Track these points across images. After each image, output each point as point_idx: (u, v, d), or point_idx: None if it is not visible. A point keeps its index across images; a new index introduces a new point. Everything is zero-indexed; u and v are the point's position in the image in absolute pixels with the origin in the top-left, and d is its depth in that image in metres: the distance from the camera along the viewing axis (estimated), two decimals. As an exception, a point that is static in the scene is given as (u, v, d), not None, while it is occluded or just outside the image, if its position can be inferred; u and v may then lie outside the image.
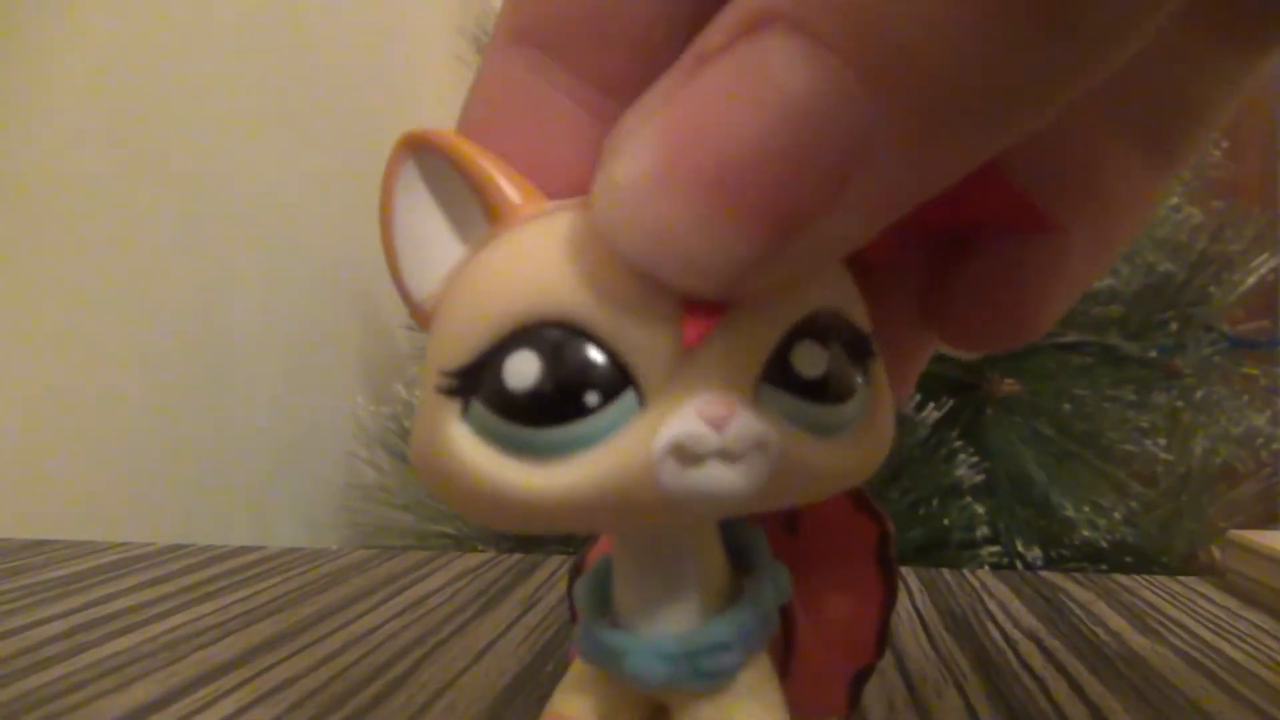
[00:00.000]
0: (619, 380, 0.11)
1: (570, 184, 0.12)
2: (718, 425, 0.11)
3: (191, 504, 0.68)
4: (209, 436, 0.70)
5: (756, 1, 0.10)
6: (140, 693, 0.23)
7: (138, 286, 0.63)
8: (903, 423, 0.70)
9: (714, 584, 0.13)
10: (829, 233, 0.10)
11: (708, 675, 0.13)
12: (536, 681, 0.24)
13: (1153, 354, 0.77)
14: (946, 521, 0.73)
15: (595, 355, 0.11)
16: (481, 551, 0.38)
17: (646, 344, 0.11)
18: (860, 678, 0.17)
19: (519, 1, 0.13)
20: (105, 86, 0.61)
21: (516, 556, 0.37)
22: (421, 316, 0.13)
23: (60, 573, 0.35)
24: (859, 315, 0.12)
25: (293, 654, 0.26)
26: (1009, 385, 0.76)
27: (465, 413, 0.11)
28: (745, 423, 0.11)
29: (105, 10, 0.61)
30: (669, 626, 0.13)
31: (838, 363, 0.12)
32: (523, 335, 0.11)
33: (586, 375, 0.11)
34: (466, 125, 0.13)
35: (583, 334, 0.11)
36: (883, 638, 0.17)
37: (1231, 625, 0.30)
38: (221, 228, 0.72)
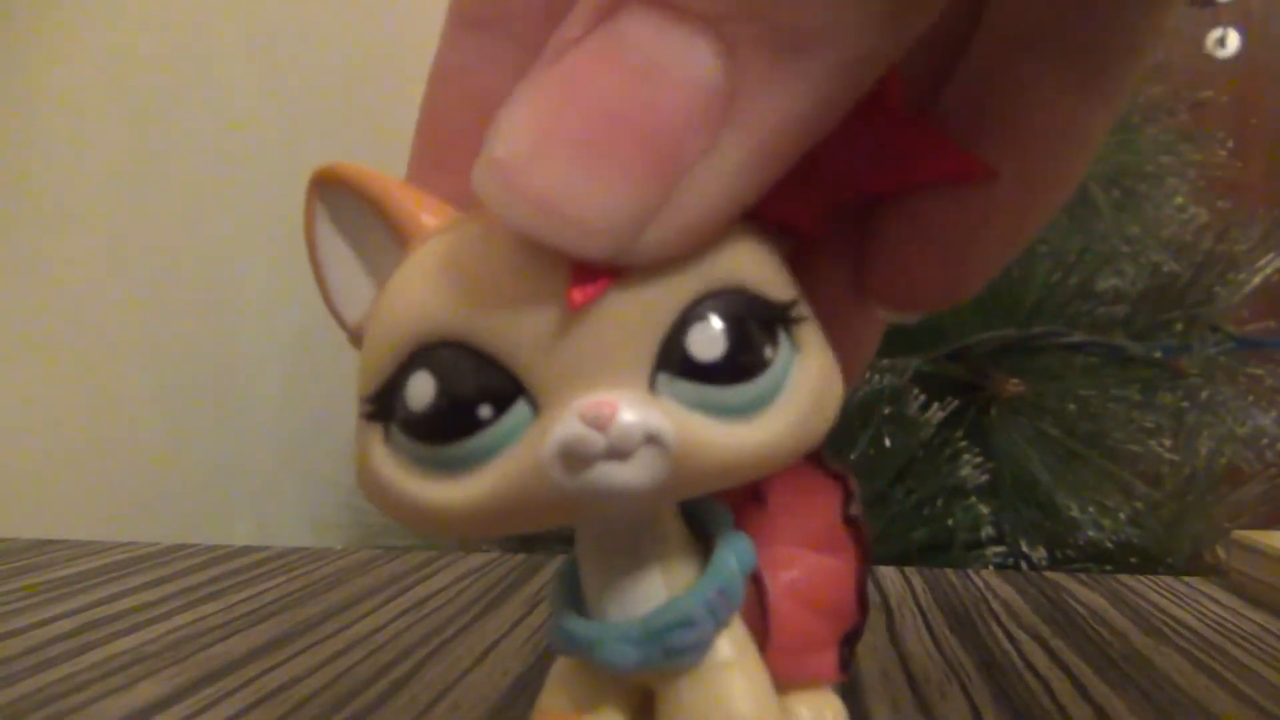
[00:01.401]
0: (510, 390, 0.11)
1: None
2: (600, 425, 0.11)
3: (196, 504, 0.68)
4: (213, 436, 0.70)
5: None
6: (145, 692, 0.23)
7: (143, 287, 0.63)
8: (907, 423, 0.70)
9: (676, 563, 0.13)
10: (710, 184, 0.10)
11: (678, 653, 0.13)
12: (540, 681, 0.24)
13: (1158, 354, 0.77)
14: (951, 522, 0.73)
15: (484, 368, 0.11)
16: (485, 552, 0.38)
17: (531, 350, 0.11)
18: (849, 640, 0.17)
19: None
20: (110, 86, 0.61)
21: (520, 556, 0.37)
22: (354, 337, 0.13)
23: (65, 572, 0.35)
24: (772, 287, 0.12)
25: (297, 654, 0.26)
26: (1014, 385, 0.76)
27: (387, 436, 0.12)
28: (629, 419, 0.11)
29: (110, 12, 0.61)
30: (634, 610, 0.13)
31: (739, 340, 0.11)
32: (420, 357, 0.11)
33: (477, 389, 0.11)
34: (424, 121, 0.14)
35: (470, 349, 0.11)
36: (863, 597, 0.17)
37: (1236, 626, 0.30)
38: (226, 227, 0.72)
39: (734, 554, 0.13)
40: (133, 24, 0.62)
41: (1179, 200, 0.81)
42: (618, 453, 0.11)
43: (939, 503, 0.74)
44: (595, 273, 0.11)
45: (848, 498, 0.16)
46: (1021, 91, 0.14)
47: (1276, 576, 0.32)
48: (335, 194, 0.13)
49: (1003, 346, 0.75)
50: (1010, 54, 0.14)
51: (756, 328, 0.12)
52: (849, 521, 0.16)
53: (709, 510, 0.14)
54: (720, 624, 0.13)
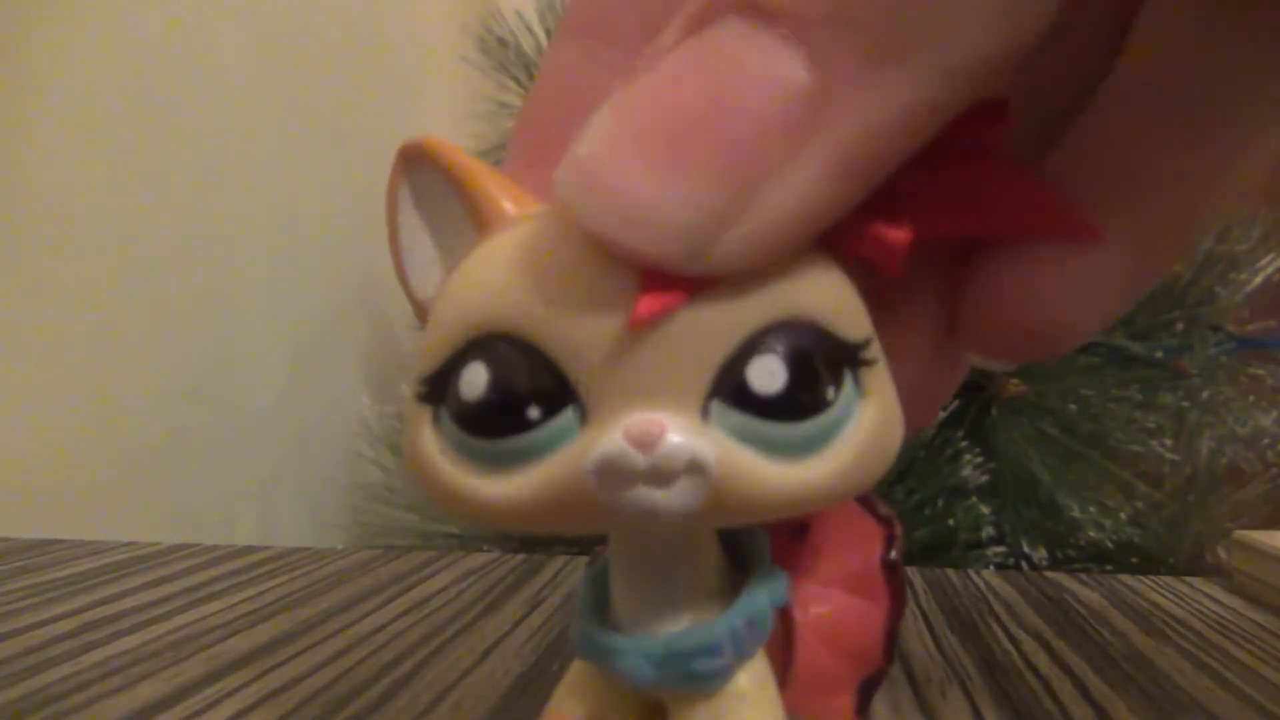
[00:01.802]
0: (561, 395, 0.11)
1: None
2: (644, 446, 0.10)
3: (197, 504, 0.68)
4: (214, 436, 0.70)
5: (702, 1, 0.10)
6: (146, 692, 0.23)
7: (143, 286, 0.63)
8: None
9: (708, 586, 0.13)
10: (792, 191, 0.10)
11: (697, 678, 0.13)
12: (542, 681, 0.24)
13: (1159, 354, 0.77)
14: (952, 522, 0.73)
15: (537, 369, 0.11)
16: (486, 551, 0.38)
17: (589, 357, 0.11)
18: (869, 685, 0.17)
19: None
20: (113, 86, 0.61)
21: (521, 556, 0.37)
22: (422, 315, 0.13)
23: (66, 572, 0.35)
24: (845, 324, 0.11)
25: (298, 653, 0.26)
26: (1015, 386, 0.76)
27: (436, 420, 0.12)
28: (674, 445, 0.10)
29: (111, 12, 0.61)
30: (659, 628, 0.13)
31: (801, 378, 0.11)
32: (476, 346, 0.11)
33: (528, 389, 0.11)
34: (528, 120, 0.14)
35: (528, 347, 0.11)
36: (891, 645, 0.17)
37: (1237, 626, 0.30)
38: (227, 227, 0.72)
39: (767, 588, 0.13)
40: (133, 24, 0.62)
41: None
42: (658, 476, 0.11)
43: (940, 503, 0.74)
44: (665, 289, 0.10)
45: (890, 543, 0.16)
46: (1144, 152, 0.13)
47: (1278, 576, 0.32)
48: (420, 169, 0.13)
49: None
50: (1136, 111, 0.13)
51: (821, 366, 0.11)
52: (887, 567, 0.16)
53: (748, 537, 0.14)
54: (743, 655, 0.13)
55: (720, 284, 0.11)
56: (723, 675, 0.13)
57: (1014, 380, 0.75)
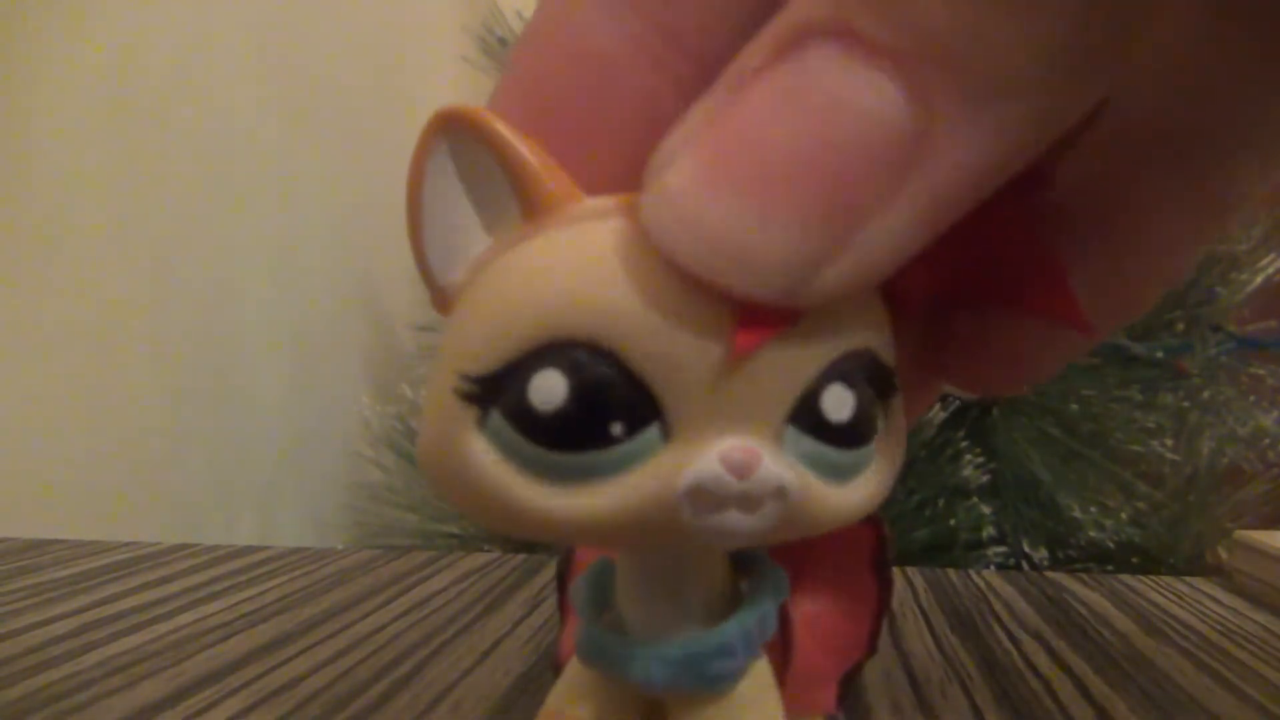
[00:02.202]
0: (647, 411, 0.11)
1: (616, 136, 0.12)
2: (741, 473, 0.10)
3: (197, 504, 0.68)
4: (215, 436, 0.70)
5: (793, 17, 0.10)
6: (146, 692, 0.23)
7: (144, 286, 0.63)
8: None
9: (715, 587, 0.13)
10: (889, 231, 0.10)
11: (712, 679, 0.13)
12: (542, 681, 0.24)
13: (1159, 354, 0.77)
14: (952, 522, 0.73)
15: (625, 384, 0.10)
16: (487, 551, 0.38)
17: (679, 374, 0.10)
18: (849, 676, 0.17)
19: None
20: (114, 86, 0.61)
21: (521, 556, 0.37)
22: (441, 301, 0.12)
23: (66, 572, 0.35)
24: (889, 353, 0.12)
25: (298, 653, 0.26)
26: (1015, 385, 0.75)
27: (483, 421, 0.11)
28: (768, 472, 0.10)
29: (111, 12, 0.61)
30: (673, 631, 0.13)
31: (864, 406, 0.11)
32: (551, 352, 0.10)
33: (614, 404, 0.10)
34: (521, 74, 0.13)
35: (613, 358, 0.10)
36: (874, 639, 0.17)
37: (1238, 626, 0.30)
38: (228, 227, 0.72)
39: (772, 586, 0.14)
40: (133, 24, 0.63)
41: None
42: (748, 502, 0.11)
43: (940, 503, 0.74)
44: (762, 318, 0.10)
45: (880, 546, 0.17)
46: (1135, 200, 0.13)
47: (1278, 577, 0.32)
48: (459, 140, 0.11)
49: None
50: (1131, 162, 0.13)
51: (875, 394, 0.12)
52: (876, 568, 0.17)
53: None
54: (753, 654, 0.13)
55: (811, 314, 0.11)
56: (736, 675, 0.13)
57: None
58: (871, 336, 0.11)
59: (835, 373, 0.11)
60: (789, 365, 0.11)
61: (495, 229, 0.12)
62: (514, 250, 0.11)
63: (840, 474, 0.11)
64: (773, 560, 0.14)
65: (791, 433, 0.11)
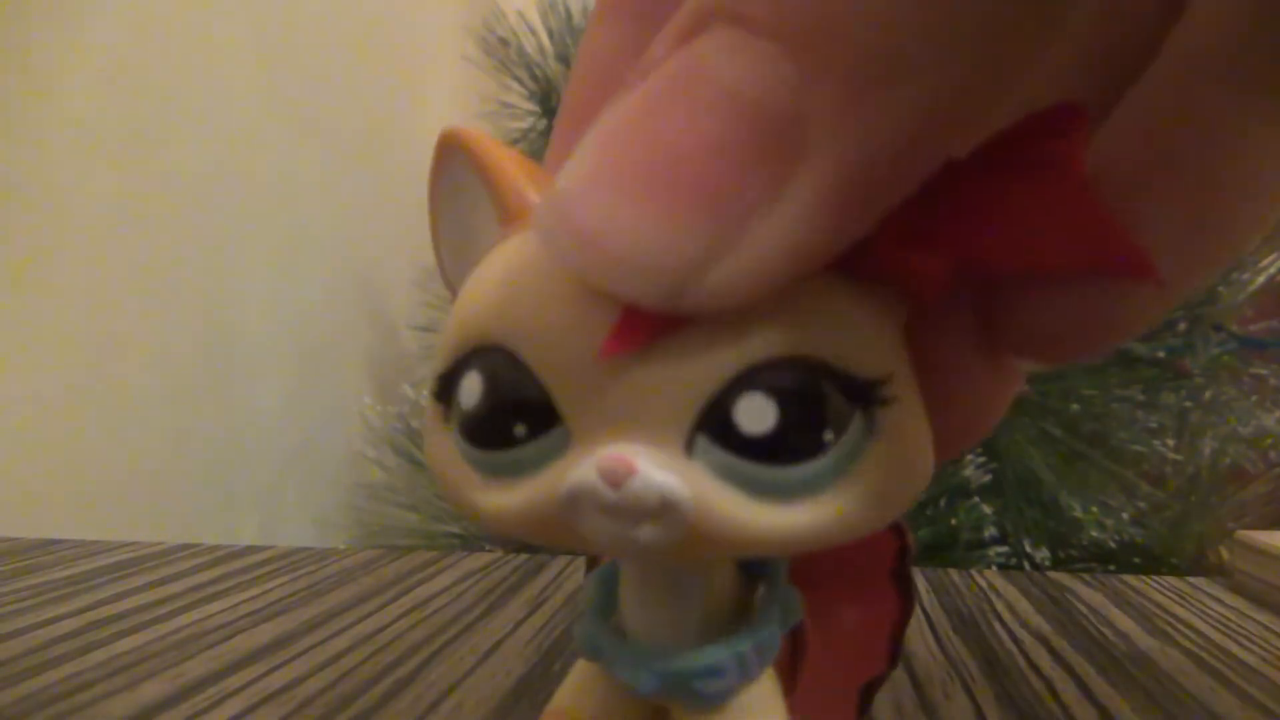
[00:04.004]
0: (547, 415, 0.11)
1: None
2: (614, 482, 0.10)
3: (200, 503, 0.68)
4: (217, 436, 0.70)
5: (693, 5, 0.09)
6: (149, 692, 0.23)
7: (146, 286, 0.63)
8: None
9: (720, 601, 0.13)
10: (780, 228, 0.09)
11: (699, 697, 0.13)
12: (544, 681, 0.24)
13: (1161, 354, 0.77)
14: (954, 522, 0.73)
15: (525, 387, 0.11)
16: (488, 551, 0.38)
17: (573, 383, 0.10)
18: (870, 688, 0.17)
19: None
20: (115, 87, 0.61)
21: (523, 556, 0.37)
22: None
23: (69, 572, 0.35)
24: (859, 361, 0.11)
25: (300, 653, 0.26)
26: (1017, 385, 0.75)
27: (447, 419, 0.12)
28: (644, 484, 0.10)
29: (114, 10, 0.61)
30: (665, 640, 0.13)
31: (793, 419, 0.10)
32: (477, 354, 0.11)
33: (515, 406, 0.11)
34: (567, 110, 0.13)
35: (518, 363, 0.11)
36: (895, 650, 0.17)
37: (1240, 626, 0.30)
38: (230, 228, 0.72)
39: (780, 612, 0.13)
40: (133, 24, 0.63)
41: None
42: (627, 512, 0.10)
43: (942, 503, 0.74)
44: (645, 320, 0.10)
45: (901, 554, 0.16)
46: (1206, 125, 0.12)
47: (1280, 577, 0.32)
48: (456, 159, 0.12)
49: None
50: (1196, 82, 0.12)
51: (821, 407, 0.10)
52: (897, 578, 0.16)
53: None
54: (749, 678, 0.13)
55: (712, 317, 0.10)
56: (725, 696, 0.13)
57: (1016, 380, 0.75)
58: (816, 339, 0.10)
59: (752, 381, 0.10)
60: (689, 370, 0.10)
61: (484, 241, 0.12)
62: (481, 262, 0.12)
63: (773, 492, 0.10)
64: (788, 579, 0.14)
65: (703, 442, 0.10)
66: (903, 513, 0.11)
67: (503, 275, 0.11)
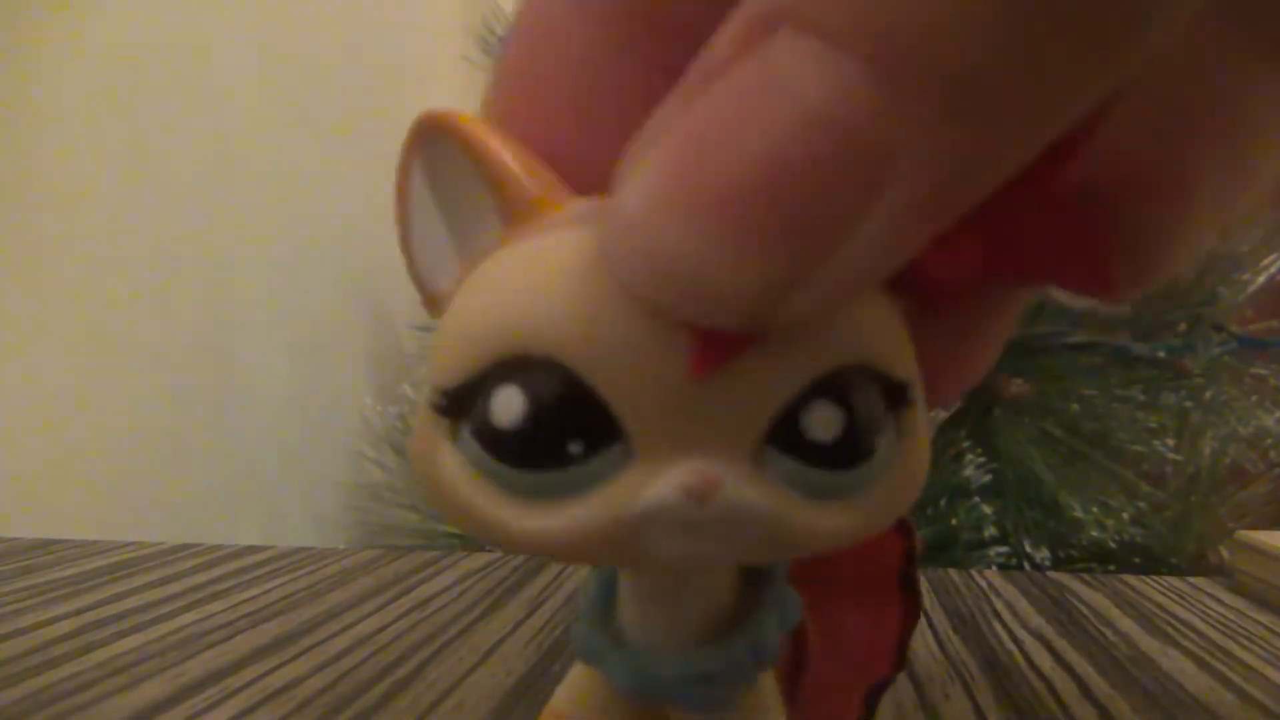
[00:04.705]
0: (606, 431, 0.10)
1: (608, 130, 0.11)
2: (699, 499, 0.10)
3: (199, 503, 0.68)
4: (217, 436, 0.70)
5: (761, 5, 0.09)
6: (149, 692, 0.23)
7: (146, 286, 0.63)
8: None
9: (716, 606, 0.13)
10: (860, 252, 0.09)
11: (689, 702, 0.12)
12: (544, 681, 0.24)
13: (1162, 354, 0.77)
14: (954, 522, 0.73)
15: (582, 403, 0.10)
16: (488, 551, 0.38)
17: (640, 394, 0.10)
18: (875, 692, 0.16)
19: None
20: (113, 86, 0.61)
21: (523, 556, 0.37)
22: (432, 307, 0.12)
23: (68, 572, 0.35)
24: (897, 365, 0.11)
25: (300, 653, 0.26)
26: (1017, 385, 0.76)
27: (455, 434, 0.11)
28: (729, 500, 0.10)
29: (111, 12, 0.61)
30: (662, 643, 0.13)
31: (857, 425, 0.10)
32: (511, 368, 0.10)
33: (571, 423, 0.10)
34: (507, 69, 0.12)
35: (572, 376, 0.10)
36: (901, 655, 0.16)
37: (1240, 626, 0.30)
38: (229, 227, 0.72)
39: (778, 615, 0.13)
40: (134, 23, 0.63)
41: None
42: (712, 528, 0.10)
43: (942, 503, 0.74)
44: (724, 339, 0.10)
45: (908, 556, 0.16)
46: (1225, 73, 0.12)
47: (1281, 577, 0.32)
48: (437, 146, 0.11)
49: (1006, 346, 0.75)
50: (1212, 29, 0.12)
51: (873, 412, 0.11)
52: (903, 580, 0.16)
53: None
54: (745, 681, 0.13)
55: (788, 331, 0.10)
56: (720, 700, 0.13)
57: (1017, 380, 0.75)
58: (869, 348, 0.11)
59: (819, 390, 0.10)
60: (760, 384, 0.10)
61: (478, 236, 0.11)
62: (489, 260, 0.11)
63: (827, 494, 0.11)
64: (790, 574, 0.14)
65: (771, 453, 0.10)
66: (906, 510, 0.12)
67: (541, 283, 0.10)
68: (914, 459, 0.11)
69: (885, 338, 0.11)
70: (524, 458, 0.10)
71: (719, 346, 0.10)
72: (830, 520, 0.10)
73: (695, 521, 0.10)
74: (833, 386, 0.10)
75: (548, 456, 0.10)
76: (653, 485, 0.10)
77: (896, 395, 0.11)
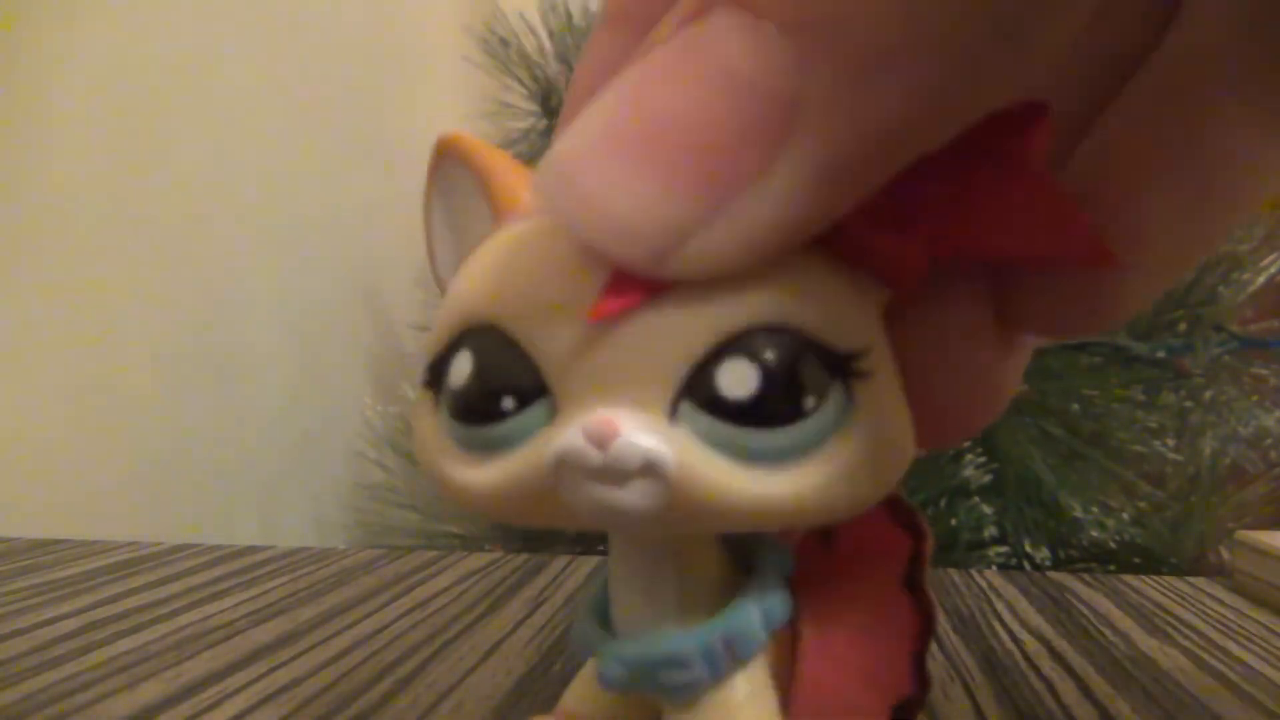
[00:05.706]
0: (534, 387, 0.11)
1: None
2: (600, 444, 0.10)
3: (200, 503, 0.68)
4: (217, 436, 0.70)
5: None
6: (149, 691, 0.23)
7: (146, 286, 0.63)
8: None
9: (698, 593, 0.13)
10: (764, 202, 0.10)
11: (665, 689, 0.12)
12: (544, 681, 0.24)
13: (1161, 354, 0.77)
14: (954, 522, 0.73)
15: (513, 360, 0.11)
16: (489, 551, 0.38)
17: (559, 353, 0.11)
18: (902, 710, 0.15)
19: None
20: (113, 86, 0.61)
21: (524, 556, 0.37)
22: None
23: (69, 572, 0.35)
24: (836, 333, 0.11)
25: (300, 653, 0.26)
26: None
27: (436, 407, 0.12)
28: (628, 444, 0.10)
29: (111, 12, 0.61)
30: (642, 629, 0.13)
31: (774, 383, 0.10)
32: (467, 336, 0.12)
33: (504, 380, 0.11)
34: (566, 113, 0.14)
35: (506, 339, 0.11)
36: (919, 668, 0.15)
37: (1240, 626, 0.30)
38: (230, 227, 0.72)
39: (758, 606, 0.13)
40: (133, 24, 0.63)
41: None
42: (612, 474, 0.10)
43: (942, 503, 0.74)
44: (630, 288, 0.10)
45: (915, 559, 0.15)
46: (1200, 118, 0.12)
47: (1280, 577, 0.32)
48: (450, 163, 0.13)
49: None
50: (1192, 78, 0.12)
51: (801, 374, 0.11)
52: (910, 586, 0.15)
53: (763, 548, 0.14)
54: (719, 673, 0.13)
55: (695, 285, 0.10)
56: (692, 689, 0.12)
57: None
58: (796, 309, 0.11)
59: (735, 347, 0.10)
60: (672, 336, 0.11)
61: (478, 236, 0.13)
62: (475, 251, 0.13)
63: (757, 458, 0.11)
64: (797, 574, 0.14)
65: (687, 408, 0.11)
66: (883, 494, 0.11)
67: (492, 260, 0.12)
68: (875, 433, 0.11)
69: (820, 306, 0.11)
70: (468, 414, 0.12)
71: (623, 292, 0.10)
72: (765, 487, 0.11)
73: (599, 467, 0.10)
74: (747, 345, 0.11)
75: (486, 411, 0.11)
76: (561, 434, 0.11)
77: (836, 363, 0.11)
